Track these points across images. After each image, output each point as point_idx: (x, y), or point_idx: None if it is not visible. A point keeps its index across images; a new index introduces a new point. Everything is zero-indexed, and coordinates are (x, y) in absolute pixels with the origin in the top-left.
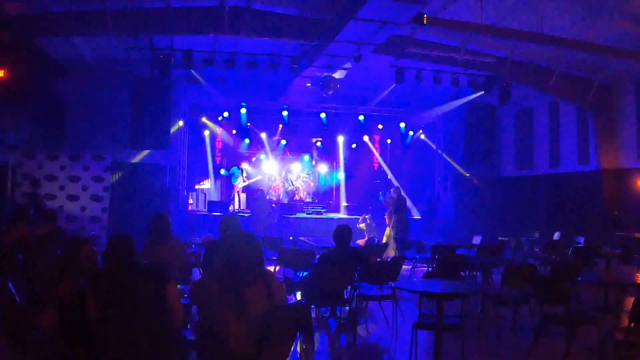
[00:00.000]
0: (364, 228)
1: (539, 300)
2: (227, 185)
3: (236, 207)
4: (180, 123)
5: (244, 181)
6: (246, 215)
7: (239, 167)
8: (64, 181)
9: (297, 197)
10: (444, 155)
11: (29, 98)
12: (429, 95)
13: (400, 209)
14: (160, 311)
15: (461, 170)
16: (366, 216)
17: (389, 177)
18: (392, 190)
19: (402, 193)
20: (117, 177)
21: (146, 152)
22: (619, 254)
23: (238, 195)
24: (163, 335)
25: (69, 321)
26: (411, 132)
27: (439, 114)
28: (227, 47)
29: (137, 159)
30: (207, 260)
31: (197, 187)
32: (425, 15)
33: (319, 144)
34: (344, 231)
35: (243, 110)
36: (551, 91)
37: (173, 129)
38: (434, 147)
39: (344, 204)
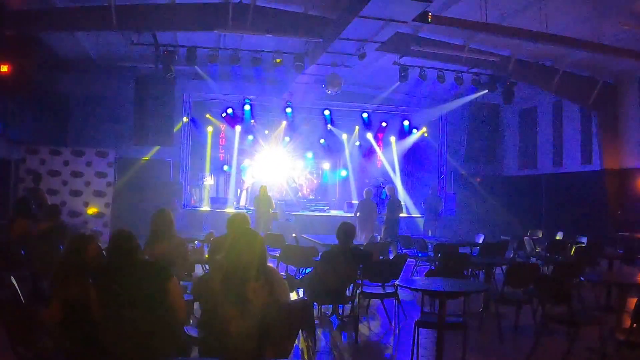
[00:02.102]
0: None
1: (541, 300)
2: (229, 181)
3: (242, 203)
4: (185, 119)
5: (252, 177)
6: (249, 211)
7: (246, 164)
8: (67, 177)
9: (300, 194)
10: (450, 158)
11: (33, 93)
12: (433, 93)
13: (392, 208)
14: (163, 308)
15: (461, 170)
16: None
17: (390, 175)
18: (386, 187)
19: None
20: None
21: (156, 148)
22: (621, 254)
23: (247, 191)
24: (165, 332)
25: (72, 317)
26: (415, 130)
27: (443, 113)
28: (231, 44)
29: (149, 155)
30: (213, 256)
31: (205, 183)
32: (429, 13)
33: (322, 141)
34: (347, 229)
35: (247, 107)
36: (555, 90)
37: (177, 127)
38: (437, 147)
39: (349, 201)
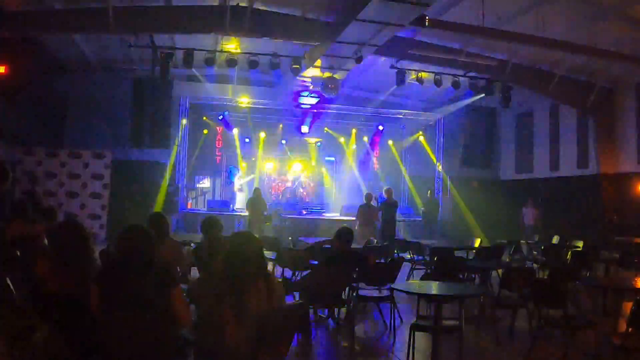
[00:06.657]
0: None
1: (537, 304)
2: (226, 184)
3: (235, 206)
4: (184, 122)
5: (239, 180)
6: (243, 214)
7: (236, 167)
8: (63, 178)
9: (297, 197)
10: (438, 163)
11: (30, 95)
12: (430, 97)
13: (385, 209)
14: (164, 312)
15: (457, 174)
16: None
17: (380, 180)
18: (384, 190)
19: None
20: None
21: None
22: (617, 259)
23: (237, 194)
24: (164, 336)
25: (70, 316)
26: (411, 134)
27: (440, 116)
28: (228, 47)
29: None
30: (199, 259)
31: (197, 185)
32: (427, 17)
33: (319, 144)
34: (344, 232)
35: (244, 110)
36: (551, 94)
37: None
38: (432, 154)
39: (345, 204)
